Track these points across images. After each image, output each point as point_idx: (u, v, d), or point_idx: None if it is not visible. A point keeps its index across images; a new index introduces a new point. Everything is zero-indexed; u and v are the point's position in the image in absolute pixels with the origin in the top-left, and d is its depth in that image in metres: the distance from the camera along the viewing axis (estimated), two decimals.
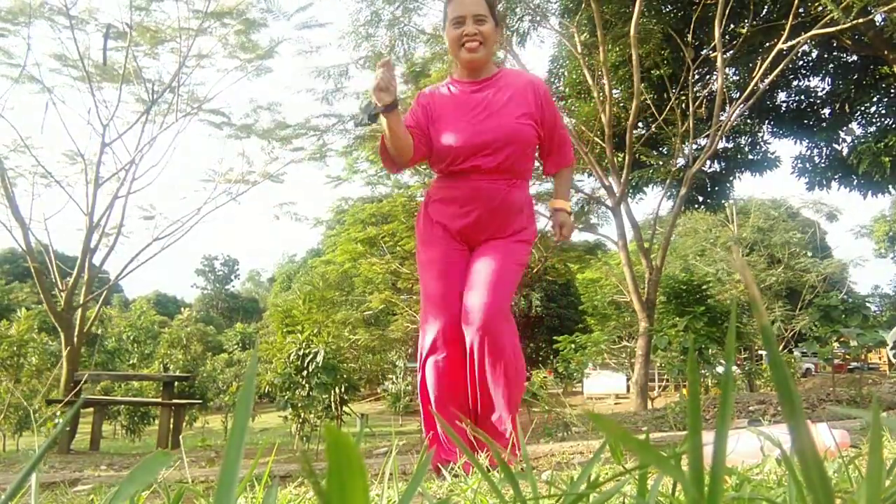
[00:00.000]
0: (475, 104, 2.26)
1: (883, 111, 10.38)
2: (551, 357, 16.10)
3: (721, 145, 10.64)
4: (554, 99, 2.59)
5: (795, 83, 11.13)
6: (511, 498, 0.60)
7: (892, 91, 10.15)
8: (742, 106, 9.79)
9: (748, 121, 11.30)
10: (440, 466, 1.83)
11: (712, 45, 9.47)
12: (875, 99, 10.39)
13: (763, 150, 11.40)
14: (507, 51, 10.07)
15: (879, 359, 26.73)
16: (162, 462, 0.40)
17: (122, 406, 14.79)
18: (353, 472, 0.28)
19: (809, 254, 25.57)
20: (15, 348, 10.53)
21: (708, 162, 10.64)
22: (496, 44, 2.37)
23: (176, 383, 9.50)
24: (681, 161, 10.85)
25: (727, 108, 9.95)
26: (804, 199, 25.09)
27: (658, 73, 10.44)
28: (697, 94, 10.28)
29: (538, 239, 2.59)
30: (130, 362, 18.77)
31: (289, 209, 11.85)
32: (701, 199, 11.63)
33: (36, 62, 9.33)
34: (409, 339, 18.62)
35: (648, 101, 10.28)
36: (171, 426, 7.44)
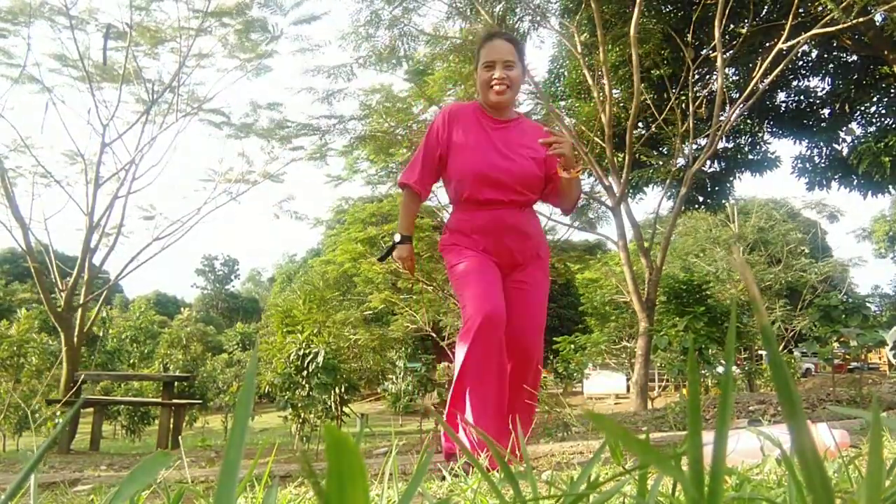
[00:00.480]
0: (500, 142, 2.45)
1: (883, 111, 10.38)
2: (551, 357, 16.09)
3: (721, 145, 10.64)
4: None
5: (795, 83, 11.13)
6: (511, 498, 0.60)
7: (892, 91, 10.15)
8: (742, 106, 9.78)
9: (748, 121, 11.30)
10: (455, 456, 1.88)
11: (712, 45, 9.47)
12: (875, 99, 10.38)
13: (763, 150, 11.40)
14: None
15: (879, 359, 26.72)
16: (162, 462, 0.40)
17: (123, 406, 14.79)
18: (353, 472, 0.28)
19: (807, 250, 25.54)
20: (15, 348, 10.53)
21: (708, 162, 10.64)
22: (520, 88, 2.59)
23: (176, 383, 9.50)
24: (681, 161, 10.85)
25: (727, 108, 9.95)
26: (805, 199, 25.07)
27: (658, 73, 10.44)
28: (697, 94, 10.27)
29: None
30: (130, 362, 18.78)
31: (289, 207, 11.86)
32: (701, 199, 11.63)
33: (36, 62, 9.34)
34: (408, 338, 18.62)
35: (648, 101, 10.28)
36: (171, 426, 7.44)
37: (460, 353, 2.28)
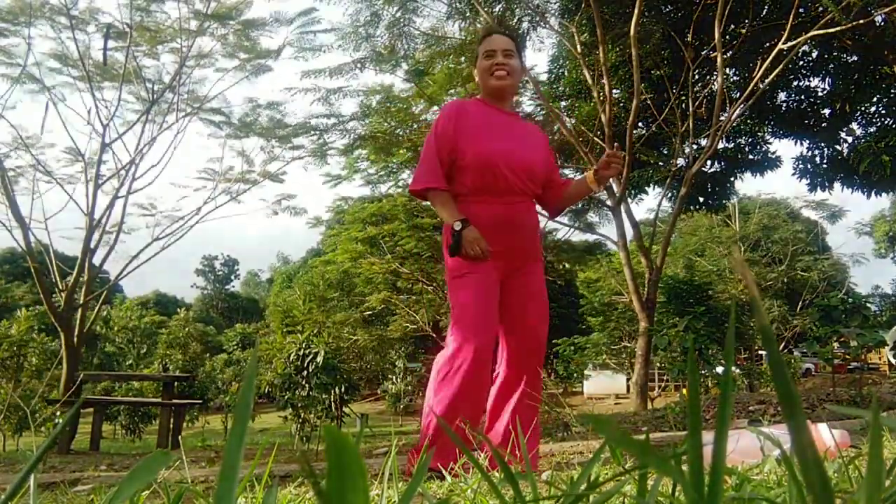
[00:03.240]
0: (507, 129, 2.47)
1: (883, 111, 10.38)
2: (551, 358, 16.10)
3: (721, 145, 10.64)
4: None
5: (795, 83, 11.12)
6: (511, 498, 0.60)
7: (893, 91, 10.14)
8: (742, 106, 9.78)
9: (748, 121, 11.29)
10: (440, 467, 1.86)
11: (712, 45, 9.46)
12: (875, 99, 10.38)
13: (763, 150, 11.40)
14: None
15: (879, 359, 26.71)
16: (162, 462, 0.40)
17: (122, 406, 14.79)
18: (353, 472, 0.29)
19: (809, 250, 25.53)
20: (15, 348, 10.53)
21: (708, 162, 10.64)
22: (519, 80, 2.63)
23: (176, 383, 9.50)
24: (681, 161, 10.85)
25: (727, 108, 9.95)
26: (807, 199, 25.03)
27: (658, 73, 10.44)
28: (697, 94, 10.27)
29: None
30: (128, 363, 18.79)
31: (287, 203, 11.85)
32: (701, 199, 11.63)
33: (36, 62, 9.31)
34: (408, 338, 18.62)
35: (648, 101, 10.28)
36: (171, 426, 7.44)
37: (442, 386, 2.26)
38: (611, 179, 10.61)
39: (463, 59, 10.25)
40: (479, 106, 2.51)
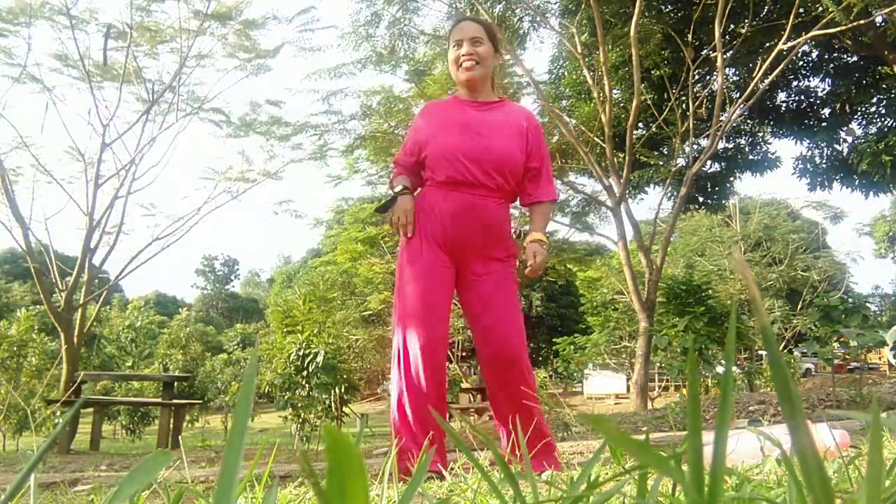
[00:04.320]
0: (474, 121, 2.37)
1: (883, 111, 10.38)
2: (551, 357, 16.10)
3: (721, 145, 10.64)
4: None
5: (795, 83, 11.13)
6: (511, 498, 0.60)
7: (893, 91, 10.14)
8: (742, 106, 9.78)
9: (748, 121, 11.30)
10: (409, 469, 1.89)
11: (712, 45, 9.47)
12: (875, 99, 10.38)
13: (763, 150, 11.40)
14: (509, 52, 10.07)
15: (879, 359, 26.71)
16: (162, 462, 0.40)
17: (123, 406, 14.79)
18: (353, 472, 0.29)
19: (806, 248, 25.52)
20: (15, 348, 10.53)
21: (708, 162, 10.64)
22: (494, 67, 2.50)
23: (176, 383, 9.50)
24: (681, 161, 10.85)
25: (727, 108, 9.95)
26: (808, 199, 25.01)
27: (658, 73, 10.44)
28: (697, 95, 10.27)
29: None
30: (129, 364, 18.80)
31: (288, 206, 11.87)
32: (701, 199, 11.63)
33: (36, 62, 9.30)
34: None
35: (648, 102, 10.28)
36: (171, 426, 7.44)
37: (396, 377, 2.24)
38: (610, 180, 10.55)
39: None
40: (451, 103, 2.48)
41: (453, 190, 2.30)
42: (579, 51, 10.14)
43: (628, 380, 17.60)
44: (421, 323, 2.22)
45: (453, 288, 2.36)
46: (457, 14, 10.65)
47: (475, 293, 2.33)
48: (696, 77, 10.15)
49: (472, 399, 11.33)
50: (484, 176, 2.29)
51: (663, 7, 10.34)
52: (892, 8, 7.82)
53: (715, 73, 9.83)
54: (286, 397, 6.86)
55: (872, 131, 10.22)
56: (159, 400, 8.64)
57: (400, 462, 2.11)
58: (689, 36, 9.63)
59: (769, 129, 11.49)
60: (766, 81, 9.23)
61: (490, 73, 2.47)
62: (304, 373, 6.75)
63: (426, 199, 2.35)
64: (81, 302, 8.73)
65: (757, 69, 9.35)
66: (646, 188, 11.52)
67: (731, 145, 11.44)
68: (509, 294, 2.35)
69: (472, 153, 2.29)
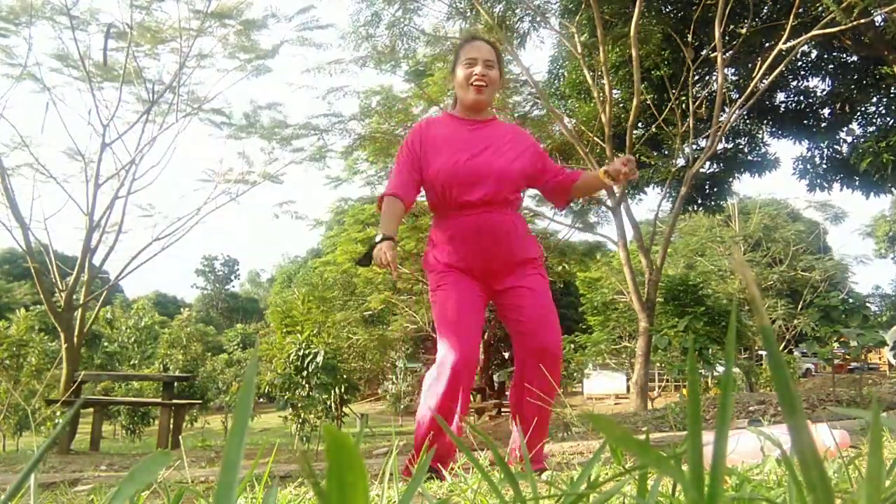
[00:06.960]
0: (475, 140, 2.40)
1: (883, 111, 10.37)
2: None
3: (721, 146, 10.64)
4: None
5: (795, 83, 11.12)
6: (511, 498, 0.60)
7: (893, 91, 10.14)
8: (742, 106, 9.78)
9: (748, 121, 11.29)
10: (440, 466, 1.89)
11: (712, 45, 9.46)
12: (875, 99, 10.38)
13: (763, 150, 11.40)
14: (508, 51, 10.07)
15: (879, 359, 26.72)
16: (162, 462, 0.40)
17: (123, 406, 14.80)
18: (353, 472, 0.29)
19: (810, 249, 25.52)
20: (15, 348, 10.53)
21: (707, 163, 10.63)
22: (497, 91, 2.56)
23: (176, 383, 9.50)
24: (681, 161, 10.85)
25: (727, 108, 9.95)
26: (808, 199, 25.02)
27: (658, 73, 10.44)
28: (697, 95, 10.27)
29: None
30: (131, 363, 18.80)
31: (288, 208, 11.87)
32: (700, 199, 11.63)
33: (37, 62, 9.30)
34: (408, 338, 18.62)
35: (648, 102, 10.28)
36: (171, 426, 7.44)
37: (429, 390, 2.29)
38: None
39: None
40: (446, 121, 2.48)
41: (461, 213, 2.34)
42: (579, 51, 10.14)
43: (628, 380, 17.60)
44: (452, 340, 2.28)
45: (484, 311, 2.45)
46: (457, 14, 10.66)
47: (514, 301, 2.40)
48: (696, 77, 10.14)
49: (471, 399, 11.34)
50: (487, 194, 2.33)
51: (663, 7, 10.34)
52: (891, 8, 7.82)
53: (715, 74, 9.83)
54: (286, 397, 6.87)
55: (872, 131, 10.21)
56: (159, 400, 8.64)
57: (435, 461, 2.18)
58: (689, 36, 9.62)
59: (769, 130, 11.49)
60: (766, 82, 9.23)
61: (493, 97, 2.53)
62: (304, 373, 6.76)
63: (439, 233, 2.41)
64: (81, 302, 8.73)
65: (757, 69, 9.34)
66: (645, 188, 11.52)
67: (730, 146, 11.44)
68: (546, 293, 2.46)
69: (473, 173, 2.33)
